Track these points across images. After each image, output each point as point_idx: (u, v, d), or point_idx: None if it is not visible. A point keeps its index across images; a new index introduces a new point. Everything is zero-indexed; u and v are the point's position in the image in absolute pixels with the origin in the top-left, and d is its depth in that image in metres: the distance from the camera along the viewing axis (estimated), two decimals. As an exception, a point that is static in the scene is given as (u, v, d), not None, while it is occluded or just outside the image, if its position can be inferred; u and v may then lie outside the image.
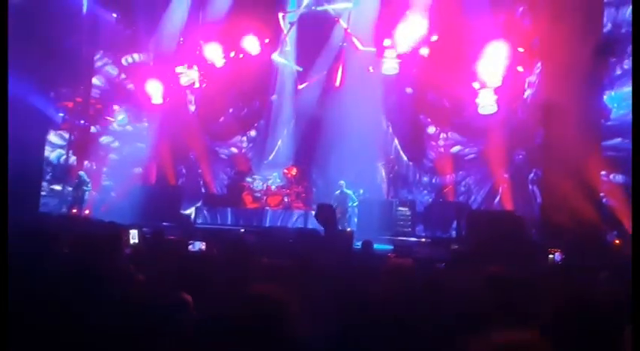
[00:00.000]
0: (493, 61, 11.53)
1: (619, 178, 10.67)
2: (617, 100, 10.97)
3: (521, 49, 11.97)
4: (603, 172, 10.65)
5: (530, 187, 12.06)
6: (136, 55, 16.10)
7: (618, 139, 10.73)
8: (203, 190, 15.80)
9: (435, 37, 12.53)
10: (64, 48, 14.49)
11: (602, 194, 10.60)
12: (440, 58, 12.57)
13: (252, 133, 15.90)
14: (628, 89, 10.50)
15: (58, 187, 14.66)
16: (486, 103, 11.71)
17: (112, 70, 16.29)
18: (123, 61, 16.16)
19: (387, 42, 12.67)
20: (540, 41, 11.63)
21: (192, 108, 16.45)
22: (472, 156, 13.18)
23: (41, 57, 13.12)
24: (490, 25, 11.70)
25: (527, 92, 12.32)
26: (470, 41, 12.02)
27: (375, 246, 7.92)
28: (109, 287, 3.04)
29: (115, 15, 15.85)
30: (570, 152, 10.11)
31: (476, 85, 11.84)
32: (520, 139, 12.25)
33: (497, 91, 11.66)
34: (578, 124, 10.12)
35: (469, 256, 6.32)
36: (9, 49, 8.02)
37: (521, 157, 12.42)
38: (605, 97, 11.05)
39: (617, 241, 9.50)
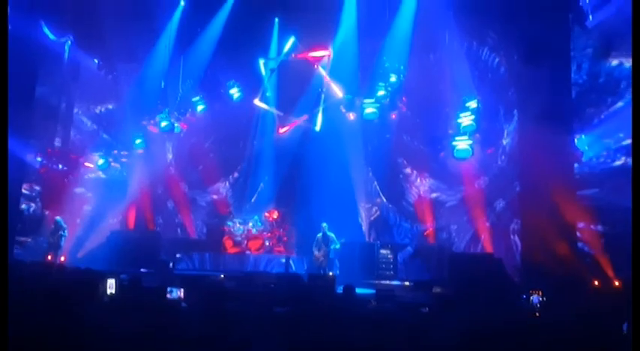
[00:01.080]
0: (468, 107, 11.92)
1: (597, 227, 10.92)
2: (587, 142, 11.38)
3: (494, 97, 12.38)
4: (581, 223, 10.87)
5: (511, 236, 12.04)
6: (111, 105, 16.17)
7: (595, 190, 11.03)
8: (182, 236, 15.58)
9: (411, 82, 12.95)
10: (44, 94, 14.54)
11: (579, 242, 10.80)
12: (416, 104, 12.97)
13: (233, 177, 15.90)
14: (598, 131, 11.02)
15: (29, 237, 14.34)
16: (461, 147, 11.99)
17: (91, 117, 16.32)
18: (100, 109, 16.21)
19: (365, 88, 13.03)
20: (516, 90, 12.01)
21: (170, 156, 16.42)
22: (453, 203, 13.28)
23: (18, 103, 13.08)
24: (465, 74, 12.14)
25: (506, 140, 12.57)
26: (445, 88, 12.47)
27: (358, 290, 7.86)
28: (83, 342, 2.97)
29: (96, 61, 16.01)
30: (546, 200, 10.37)
31: (450, 130, 12.17)
32: (500, 187, 12.41)
33: (472, 136, 11.95)
34: (553, 170, 10.43)
35: (452, 300, 6.33)
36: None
37: (502, 205, 12.49)
38: (576, 140, 11.43)
39: (597, 283, 9.60)
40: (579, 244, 10.81)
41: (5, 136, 7.45)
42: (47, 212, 14.71)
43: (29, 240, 14.45)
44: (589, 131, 11.36)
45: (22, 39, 13.89)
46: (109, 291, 6.08)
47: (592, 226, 10.98)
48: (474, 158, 12.15)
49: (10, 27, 13.78)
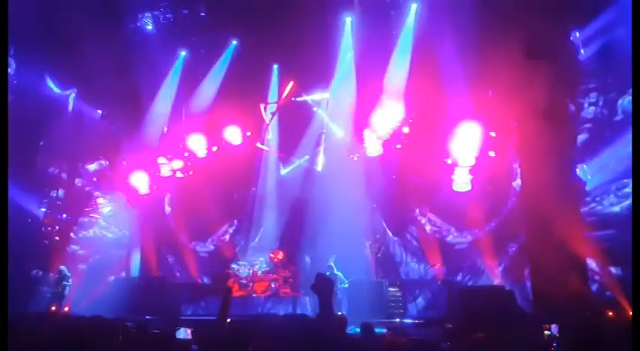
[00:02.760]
0: (466, 141, 11.97)
1: (613, 269, 10.78)
2: (590, 172, 11.43)
3: (493, 134, 12.45)
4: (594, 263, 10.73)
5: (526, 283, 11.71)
6: (114, 154, 16.32)
7: (611, 231, 10.95)
8: (187, 281, 15.40)
9: (410, 120, 13.12)
10: (48, 145, 14.75)
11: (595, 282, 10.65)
12: (417, 138, 13.10)
13: (237, 220, 15.87)
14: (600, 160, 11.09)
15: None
16: (460, 181, 12.00)
17: (94, 167, 16.46)
18: (102, 159, 16.36)
19: (366, 127, 13.22)
20: (517, 125, 12.06)
21: (168, 209, 16.42)
22: (463, 246, 13.05)
23: (23, 154, 13.27)
24: (463, 107, 12.32)
25: (517, 181, 12.42)
26: (444, 123, 12.64)
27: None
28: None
29: (99, 112, 16.32)
30: (555, 233, 10.31)
31: (449, 161, 12.19)
32: (511, 230, 12.20)
33: (472, 171, 11.99)
34: (558, 203, 10.40)
35: (465, 334, 6.20)
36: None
37: (514, 249, 12.30)
38: (578, 170, 11.48)
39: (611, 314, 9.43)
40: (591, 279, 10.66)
41: (5, 137, 7.52)
42: (51, 261, 14.58)
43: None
44: (590, 160, 11.44)
45: (28, 92, 14.26)
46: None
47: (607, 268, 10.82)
48: (482, 200, 12.17)
49: (15, 81, 14.20)
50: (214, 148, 15.49)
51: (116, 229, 15.83)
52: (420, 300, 12.17)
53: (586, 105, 11.79)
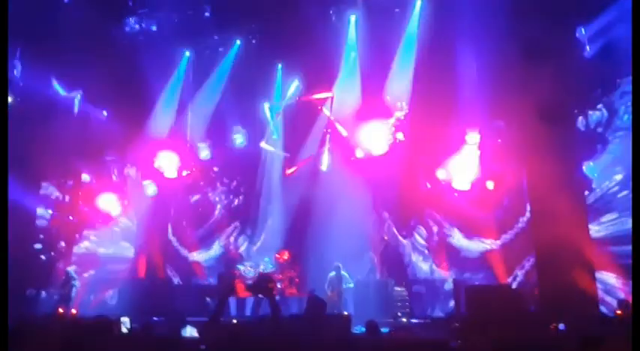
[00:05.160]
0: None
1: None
2: (596, 170, 11.36)
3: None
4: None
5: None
6: (121, 154, 16.34)
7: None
8: (193, 282, 15.42)
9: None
10: (54, 148, 14.79)
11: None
12: (420, 138, 13.07)
13: (242, 220, 15.87)
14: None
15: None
16: (460, 180, 12.36)
17: (100, 167, 16.49)
18: (109, 158, 16.41)
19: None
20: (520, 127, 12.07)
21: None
22: (474, 255, 12.89)
23: (30, 159, 13.32)
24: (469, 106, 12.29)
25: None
26: (449, 122, 12.65)
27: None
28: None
29: (105, 113, 16.38)
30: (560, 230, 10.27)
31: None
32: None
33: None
34: (565, 201, 10.38)
35: (473, 333, 6.16)
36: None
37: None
38: (584, 168, 11.42)
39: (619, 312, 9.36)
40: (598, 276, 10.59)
41: (5, 136, 7.56)
42: (58, 264, 14.66)
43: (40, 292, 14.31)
44: (596, 158, 11.37)
45: (33, 94, 14.32)
46: (124, 329, 6.00)
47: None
48: (493, 212, 12.27)
49: (21, 83, 14.27)
50: (218, 149, 15.57)
51: (127, 222, 15.83)
52: (426, 299, 12.11)
53: (591, 104, 11.68)
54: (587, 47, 11.71)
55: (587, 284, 10.21)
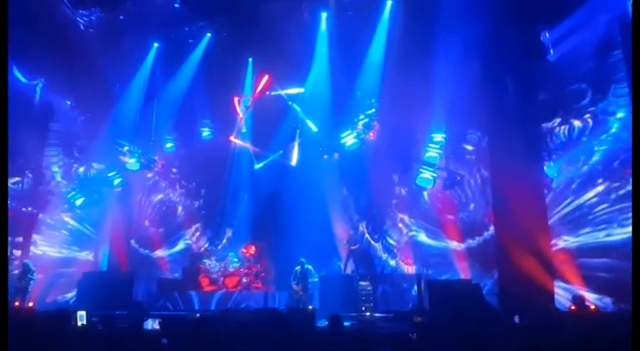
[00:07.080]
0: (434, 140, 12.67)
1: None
2: (556, 169, 11.70)
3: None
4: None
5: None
6: (85, 145, 15.97)
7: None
8: (157, 275, 15.18)
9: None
10: (14, 137, 14.31)
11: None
12: (389, 134, 13.25)
13: (209, 215, 15.72)
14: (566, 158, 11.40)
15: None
16: (424, 176, 12.67)
17: (64, 158, 16.06)
18: (73, 149, 16.03)
19: (340, 122, 13.32)
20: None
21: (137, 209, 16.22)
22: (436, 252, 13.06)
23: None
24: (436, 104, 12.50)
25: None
26: (416, 118, 12.86)
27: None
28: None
29: (69, 102, 15.97)
30: (520, 225, 10.61)
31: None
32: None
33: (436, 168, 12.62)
34: (525, 198, 10.75)
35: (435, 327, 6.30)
36: None
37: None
38: (545, 168, 11.76)
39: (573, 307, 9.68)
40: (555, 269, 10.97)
41: (5, 136, 7.31)
42: (15, 255, 14.20)
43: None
44: (557, 158, 11.70)
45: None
46: (79, 322, 5.88)
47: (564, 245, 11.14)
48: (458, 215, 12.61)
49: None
50: (185, 142, 15.40)
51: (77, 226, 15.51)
52: (390, 294, 12.25)
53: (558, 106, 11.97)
54: (551, 51, 12.01)
55: (544, 279, 10.59)
